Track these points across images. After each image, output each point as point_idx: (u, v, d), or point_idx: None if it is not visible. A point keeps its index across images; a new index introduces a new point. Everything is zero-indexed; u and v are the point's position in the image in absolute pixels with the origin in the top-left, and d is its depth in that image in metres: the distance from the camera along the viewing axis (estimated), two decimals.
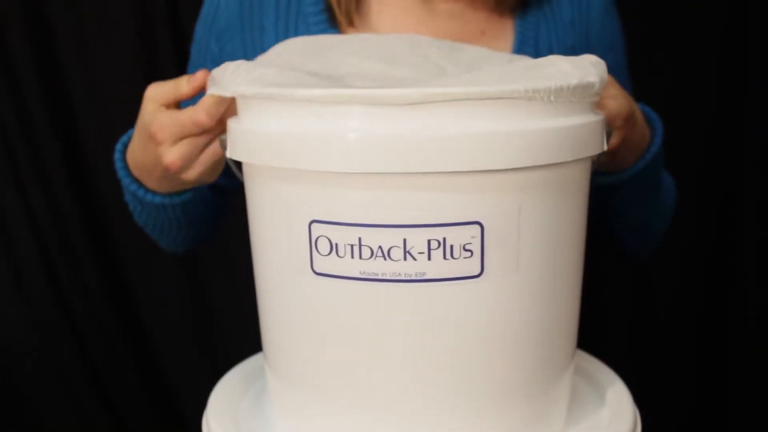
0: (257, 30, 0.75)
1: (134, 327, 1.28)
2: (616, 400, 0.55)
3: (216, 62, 0.76)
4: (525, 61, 0.49)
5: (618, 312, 1.13)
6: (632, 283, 1.12)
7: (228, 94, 0.48)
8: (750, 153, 1.04)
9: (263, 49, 0.73)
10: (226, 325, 1.26)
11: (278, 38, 0.74)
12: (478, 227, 0.42)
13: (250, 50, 0.76)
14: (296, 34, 0.74)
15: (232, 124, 0.49)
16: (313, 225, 0.44)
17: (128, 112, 1.13)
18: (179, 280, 1.26)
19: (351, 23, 0.73)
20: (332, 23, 0.74)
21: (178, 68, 1.08)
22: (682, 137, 1.05)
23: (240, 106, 0.49)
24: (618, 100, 0.57)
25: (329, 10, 0.74)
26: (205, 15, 0.78)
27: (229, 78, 0.48)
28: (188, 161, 0.54)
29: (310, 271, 0.45)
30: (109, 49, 1.10)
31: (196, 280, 1.27)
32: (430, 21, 0.73)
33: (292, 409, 0.51)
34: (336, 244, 0.43)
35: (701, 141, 1.05)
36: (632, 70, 0.80)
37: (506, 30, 0.75)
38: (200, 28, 0.79)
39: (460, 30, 0.73)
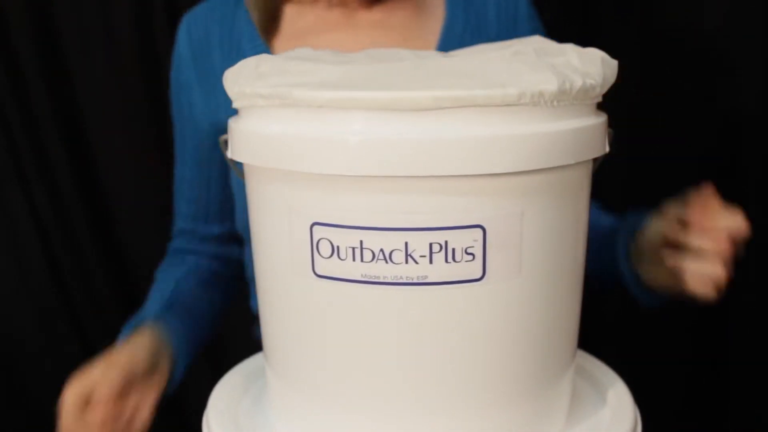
0: (210, 71, 0.78)
1: None
2: (616, 400, 0.55)
3: (189, 116, 0.80)
4: (536, 44, 0.49)
5: (618, 312, 1.13)
6: None
7: (231, 94, 0.48)
8: (750, 153, 1.04)
9: (217, 88, 0.75)
10: (227, 324, 1.25)
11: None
12: (480, 231, 0.42)
13: (211, 94, 0.78)
14: (239, 58, 0.76)
15: (233, 124, 0.49)
16: (315, 227, 0.44)
17: (132, 111, 1.13)
18: None
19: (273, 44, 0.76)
20: (266, 47, 0.76)
21: None
22: (682, 137, 1.05)
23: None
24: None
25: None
26: (172, 74, 0.81)
27: (232, 78, 0.48)
28: None
29: (312, 273, 0.45)
30: (114, 47, 1.10)
31: None
32: (352, 33, 0.74)
33: (292, 409, 0.52)
34: (337, 247, 0.43)
35: (701, 140, 1.05)
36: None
37: (429, 42, 0.75)
38: (172, 87, 0.81)
39: (383, 40, 0.73)
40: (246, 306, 0.88)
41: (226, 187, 0.82)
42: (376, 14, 0.75)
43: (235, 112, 0.77)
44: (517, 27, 0.77)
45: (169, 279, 0.78)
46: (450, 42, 0.74)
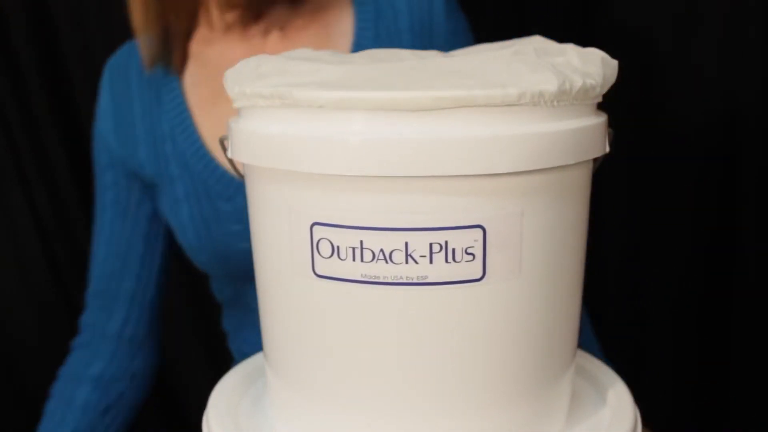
0: (130, 122, 0.78)
1: None
2: (616, 400, 0.55)
3: (108, 166, 0.80)
4: (536, 44, 0.49)
5: (618, 312, 1.13)
6: (632, 283, 1.12)
7: (232, 94, 0.48)
8: (750, 152, 1.04)
9: (136, 140, 0.77)
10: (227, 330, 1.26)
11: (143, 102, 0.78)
12: (480, 231, 0.42)
13: (127, 145, 0.78)
14: (158, 103, 0.77)
15: (233, 123, 0.49)
16: (315, 227, 0.44)
17: None
18: (180, 279, 1.26)
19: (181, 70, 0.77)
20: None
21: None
22: (683, 137, 1.05)
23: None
24: None
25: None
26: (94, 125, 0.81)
27: (233, 78, 0.48)
28: None
29: (312, 273, 0.45)
30: (113, 48, 1.11)
31: (197, 278, 1.27)
32: (260, 50, 0.74)
33: (292, 409, 0.52)
34: (337, 247, 0.43)
35: (701, 141, 1.05)
36: None
37: (344, 47, 0.75)
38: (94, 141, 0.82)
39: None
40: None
41: (148, 264, 0.80)
42: (280, 44, 0.75)
43: (155, 174, 0.77)
44: (433, 32, 0.75)
45: (61, 425, 0.75)
46: None
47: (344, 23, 0.77)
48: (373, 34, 0.75)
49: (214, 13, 0.76)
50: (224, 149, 0.52)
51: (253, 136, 0.46)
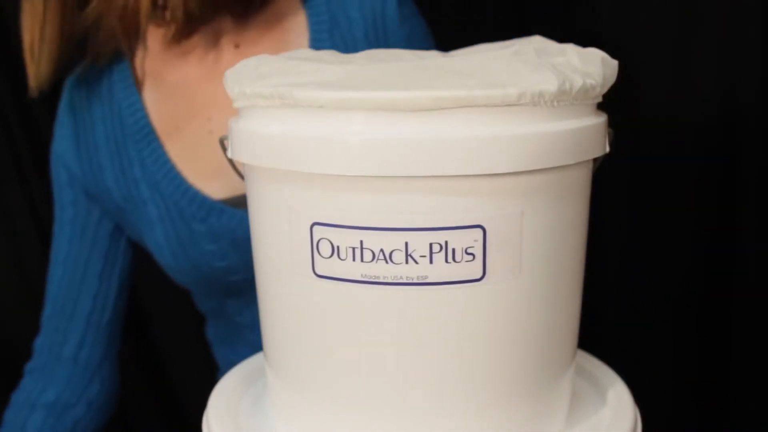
0: (91, 140, 0.77)
1: (135, 326, 1.28)
2: (616, 400, 0.55)
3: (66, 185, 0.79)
4: (536, 44, 0.49)
5: (618, 312, 1.13)
6: (632, 283, 1.12)
7: (232, 94, 0.48)
8: (750, 152, 1.04)
9: (100, 164, 0.76)
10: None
11: (106, 131, 0.76)
12: (480, 231, 0.42)
13: (91, 164, 0.77)
14: (118, 118, 0.76)
15: (233, 123, 0.49)
16: (315, 227, 0.44)
17: None
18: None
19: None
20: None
21: None
22: (683, 137, 1.05)
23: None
24: None
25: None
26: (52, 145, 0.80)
27: (233, 78, 0.48)
28: None
29: (312, 273, 0.45)
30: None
31: None
32: (218, 81, 0.73)
33: (292, 409, 0.52)
34: (337, 247, 0.43)
35: (701, 141, 1.05)
36: None
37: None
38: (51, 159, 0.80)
39: None
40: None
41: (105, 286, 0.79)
42: (234, 60, 0.74)
43: (125, 198, 0.76)
44: (388, 39, 0.75)
45: None
46: None
47: (299, 33, 0.76)
48: (329, 45, 0.74)
49: (153, 30, 0.74)
50: (224, 149, 0.52)
51: (253, 136, 0.46)
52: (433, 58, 0.50)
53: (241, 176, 0.52)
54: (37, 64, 0.73)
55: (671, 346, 1.13)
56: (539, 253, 0.45)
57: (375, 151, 0.41)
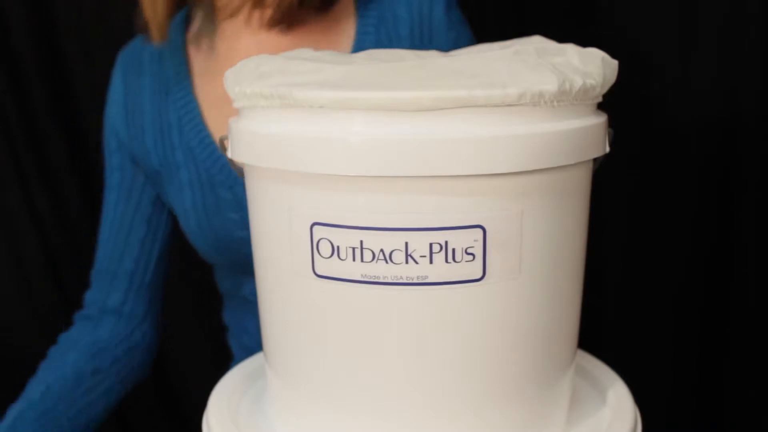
0: (138, 114, 0.81)
1: None
2: (616, 400, 0.55)
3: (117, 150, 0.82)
4: (536, 44, 0.49)
5: (618, 312, 1.13)
6: (632, 283, 1.12)
7: (232, 94, 0.48)
8: (750, 153, 1.04)
9: (143, 128, 0.80)
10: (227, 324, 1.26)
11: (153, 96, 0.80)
12: (480, 231, 0.42)
13: (136, 139, 0.80)
14: (168, 98, 0.79)
15: (233, 123, 0.49)
16: (315, 227, 0.44)
17: None
18: (180, 279, 1.26)
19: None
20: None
21: None
22: (682, 137, 1.05)
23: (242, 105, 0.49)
24: None
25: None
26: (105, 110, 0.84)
27: (233, 78, 0.48)
28: None
29: (312, 273, 0.45)
30: (114, 47, 1.11)
31: (197, 278, 1.27)
32: (266, 46, 0.76)
33: (292, 409, 0.52)
34: (337, 247, 0.43)
35: (701, 141, 1.05)
36: None
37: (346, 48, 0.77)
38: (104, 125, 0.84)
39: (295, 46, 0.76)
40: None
41: (149, 245, 0.83)
42: (284, 40, 0.77)
43: (161, 162, 0.78)
44: (432, 40, 0.77)
45: (46, 377, 0.77)
46: None
47: (347, 23, 0.78)
48: (374, 38, 0.77)
49: (245, 9, 0.77)
50: (224, 149, 0.52)
51: (253, 136, 0.46)
52: (433, 58, 0.50)
53: (241, 176, 0.52)
54: (155, 15, 0.78)
55: (671, 346, 1.13)
56: (539, 253, 0.45)
57: (375, 151, 0.41)
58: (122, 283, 0.83)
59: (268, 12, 0.75)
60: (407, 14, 0.77)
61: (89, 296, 0.85)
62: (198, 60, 0.81)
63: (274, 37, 0.77)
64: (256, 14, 0.76)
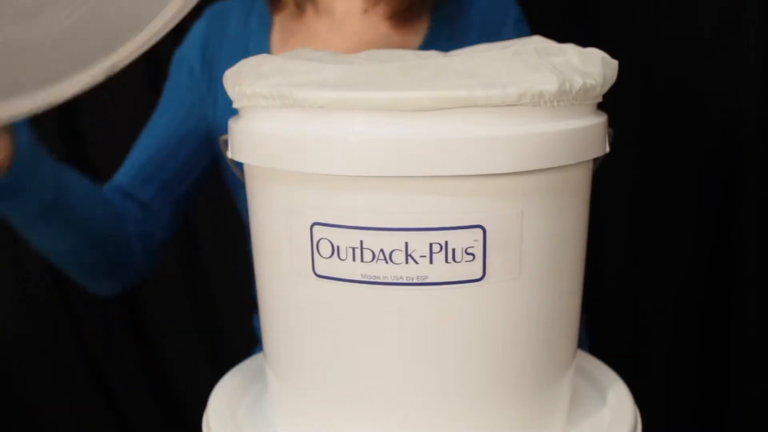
0: (214, 66, 0.81)
1: (135, 327, 1.28)
2: (616, 400, 0.55)
3: (180, 96, 0.82)
4: (536, 44, 0.49)
5: (618, 312, 1.13)
6: (632, 283, 1.12)
7: (232, 94, 0.48)
8: (750, 153, 1.04)
9: (217, 87, 0.80)
10: (227, 324, 1.26)
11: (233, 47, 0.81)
12: (480, 231, 0.42)
13: (210, 90, 0.81)
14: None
15: (233, 124, 0.49)
16: (315, 227, 0.44)
17: (132, 110, 1.13)
18: (181, 280, 1.26)
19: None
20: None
21: None
22: (683, 136, 1.05)
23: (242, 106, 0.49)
24: None
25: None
26: (181, 49, 0.84)
27: (233, 78, 0.48)
28: None
29: (312, 273, 0.45)
30: None
31: (197, 278, 1.27)
32: (338, 41, 0.78)
33: (292, 410, 0.52)
34: (338, 247, 0.43)
35: (701, 141, 1.05)
36: None
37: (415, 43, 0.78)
38: (175, 59, 0.84)
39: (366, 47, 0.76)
40: (247, 306, 0.88)
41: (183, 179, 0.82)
42: (360, 26, 0.78)
43: (226, 113, 0.77)
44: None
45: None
46: None
47: (420, 23, 0.79)
48: (445, 40, 0.77)
49: None
50: (224, 149, 0.52)
51: (253, 136, 0.46)
52: (433, 58, 0.50)
53: (241, 176, 0.52)
54: None
55: (671, 346, 1.13)
56: (539, 253, 0.45)
57: (375, 151, 0.41)
58: (148, 192, 0.81)
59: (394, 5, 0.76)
60: (480, 20, 0.79)
61: (116, 183, 0.82)
62: (278, 31, 0.81)
63: (350, 19, 0.78)
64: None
